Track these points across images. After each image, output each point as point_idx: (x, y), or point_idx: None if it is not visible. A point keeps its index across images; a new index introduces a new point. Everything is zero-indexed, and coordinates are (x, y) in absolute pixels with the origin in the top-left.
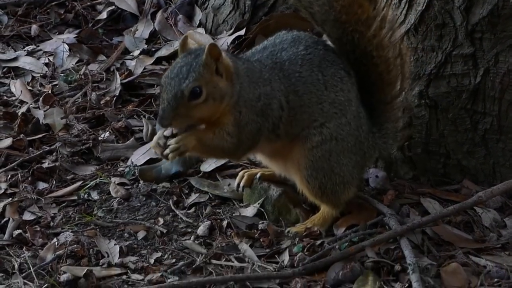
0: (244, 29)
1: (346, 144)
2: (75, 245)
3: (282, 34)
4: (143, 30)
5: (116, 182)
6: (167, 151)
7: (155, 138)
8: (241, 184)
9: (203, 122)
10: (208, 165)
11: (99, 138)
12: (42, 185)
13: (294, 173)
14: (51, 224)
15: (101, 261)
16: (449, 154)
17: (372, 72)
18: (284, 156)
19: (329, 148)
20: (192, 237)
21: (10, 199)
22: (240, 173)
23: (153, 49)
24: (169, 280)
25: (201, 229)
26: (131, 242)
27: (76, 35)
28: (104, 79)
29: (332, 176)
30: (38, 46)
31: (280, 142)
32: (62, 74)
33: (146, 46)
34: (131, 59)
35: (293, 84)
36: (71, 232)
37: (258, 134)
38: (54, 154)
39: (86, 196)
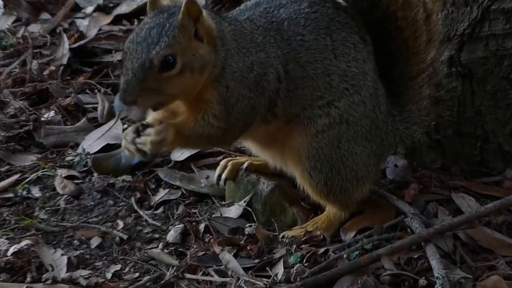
0: None
1: (360, 128)
2: (11, 256)
3: None
4: None
5: (63, 175)
6: (141, 146)
7: (124, 134)
8: (223, 176)
9: (177, 99)
10: (181, 153)
11: (42, 119)
12: None
13: (293, 164)
14: None
15: (44, 275)
16: (488, 136)
17: (394, 38)
18: (281, 143)
19: (338, 133)
20: (161, 245)
21: None
22: (222, 162)
23: (111, 5)
24: None
25: (172, 235)
26: (82, 251)
27: None
28: (49, 44)
29: (342, 170)
30: None
31: (277, 123)
32: None
33: (101, 1)
34: (82, 18)
35: (294, 49)
36: (6, 239)
37: (252, 113)
38: None
39: (25, 193)
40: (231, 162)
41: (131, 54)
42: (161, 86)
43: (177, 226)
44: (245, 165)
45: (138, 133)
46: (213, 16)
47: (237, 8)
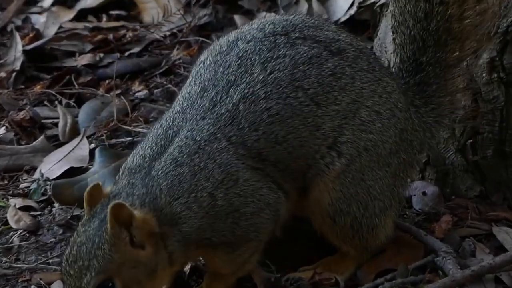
0: None
1: (383, 145)
2: None
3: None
4: None
5: (17, 206)
6: None
7: None
8: None
9: None
10: None
11: None
12: None
13: (311, 212)
14: None
15: None
16: None
17: (435, 14)
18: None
19: (360, 166)
20: None
21: None
22: None
23: None
24: None
25: None
26: None
27: None
28: None
29: (369, 204)
30: None
31: (293, 197)
32: None
33: None
34: (39, 13)
35: (264, 132)
36: None
37: (259, 219)
38: None
39: None
40: None
41: (65, 278)
42: None
43: None
44: None
45: None
46: (149, 203)
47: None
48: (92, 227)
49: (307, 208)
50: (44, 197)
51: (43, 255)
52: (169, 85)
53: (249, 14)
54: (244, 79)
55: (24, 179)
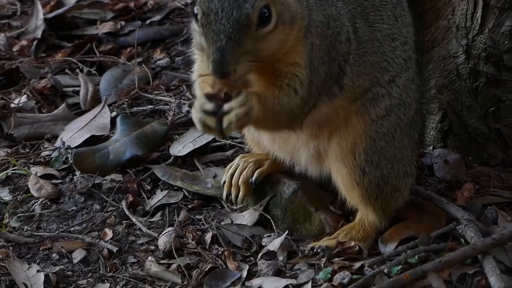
0: None
1: (411, 113)
2: None
3: None
4: None
5: (38, 174)
6: (225, 122)
7: (199, 105)
8: (240, 196)
9: (266, 63)
10: (182, 147)
11: (12, 105)
12: None
13: (341, 160)
14: None
15: None
16: None
17: None
18: (328, 133)
19: (396, 119)
20: (158, 259)
21: None
22: (229, 179)
23: None
24: None
25: (163, 242)
26: (62, 267)
27: None
28: (19, 13)
29: (395, 164)
30: None
31: (341, 100)
32: None
33: None
34: None
35: (360, 4)
36: None
37: (325, 84)
38: None
39: None
40: (241, 180)
41: (216, 14)
42: (258, 47)
43: (169, 230)
44: (254, 177)
45: (217, 104)
46: None
47: None
48: None
49: (335, 154)
50: (66, 165)
51: (64, 223)
52: (190, 53)
53: None
54: None
55: (46, 147)
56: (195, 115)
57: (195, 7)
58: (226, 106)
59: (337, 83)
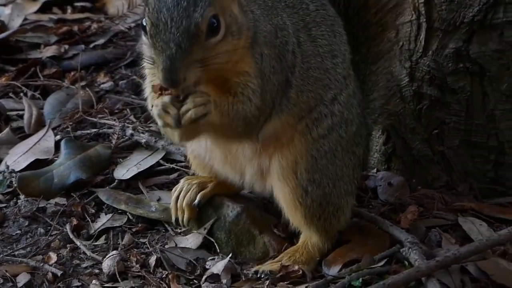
0: None
1: (351, 130)
2: None
3: None
4: None
5: None
6: (183, 109)
7: (160, 102)
8: (184, 220)
9: (214, 74)
10: (126, 170)
11: None
12: None
13: (283, 179)
14: None
15: None
16: (503, 148)
17: (360, 17)
18: (272, 151)
19: (337, 137)
20: (102, 282)
21: None
22: (174, 202)
23: None
24: None
25: (108, 265)
26: None
27: None
28: None
29: (337, 183)
30: None
31: (287, 115)
32: None
33: None
34: (3, 5)
35: (302, 19)
36: None
37: (278, 93)
38: None
39: None
40: (185, 202)
41: (166, 24)
42: (207, 56)
43: (113, 254)
44: (197, 200)
45: (177, 102)
46: None
47: None
48: None
49: (276, 172)
50: (10, 189)
51: (8, 247)
52: (134, 77)
53: None
54: None
55: None
56: (154, 111)
57: (143, 20)
58: (185, 105)
59: (285, 95)
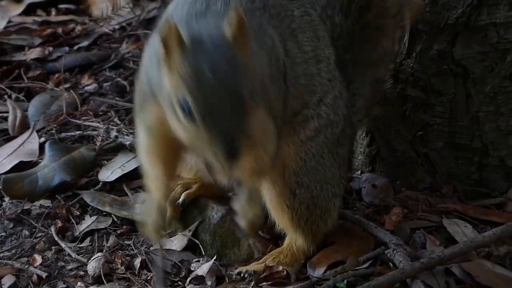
0: None
1: (336, 131)
2: None
3: None
4: None
5: None
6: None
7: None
8: (167, 218)
9: None
10: (111, 172)
11: None
12: None
13: (270, 182)
14: None
15: None
16: (487, 149)
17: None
18: None
19: (324, 139)
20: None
21: None
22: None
23: None
24: None
25: (93, 267)
26: None
27: None
28: None
29: (324, 186)
30: None
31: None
32: None
33: None
34: None
35: (287, 26)
36: None
37: (282, 113)
38: None
39: None
40: (168, 201)
41: (209, 98)
42: (250, 125)
43: (98, 256)
44: (181, 199)
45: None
46: None
47: None
48: (208, 45)
49: (268, 175)
50: None
51: None
52: (119, 79)
53: None
54: None
55: None
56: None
57: (185, 99)
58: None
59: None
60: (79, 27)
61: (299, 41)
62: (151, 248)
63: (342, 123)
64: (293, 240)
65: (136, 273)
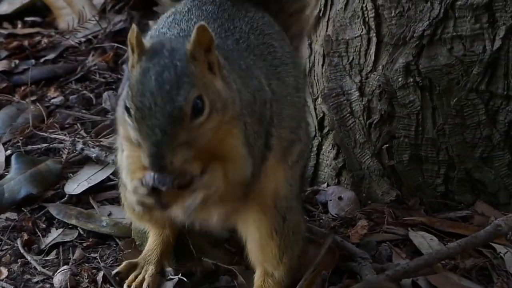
0: None
1: (305, 150)
2: None
3: None
4: None
5: None
6: (189, 203)
7: (144, 194)
8: None
9: (205, 151)
10: (77, 185)
11: None
12: None
13: (260, 210)
14: None
15: None
16: (453, 162)
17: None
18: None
19: (302, 163)
20: None
21: None
22: None
23: None
24: None
25: (59, 280)
26: None
27: None
28: None
29: (300, 209)
30: None
31: (272, 159)
32: None
33: None
34: None
35: (270, 63)
36: None
37: (263, 156)
38: None
39: None
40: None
41: (150, 109)
42: (192, 137)
43: (64, 269)
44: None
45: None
46: None
47: (157, 24)
48: (164, 57)
49: (256, 205)
50: None
51: None
52: (85, 91)
53: None
54: (243, 14)
55: None
56: (134, 198)
57: (127, 102)
58: (194, 186)
59: (266, 146)
60: (45, 40)
61: (281, 77)
62: (117, 261)
63: (309, 143)
64: (268, 275)
65: (99, 287)
